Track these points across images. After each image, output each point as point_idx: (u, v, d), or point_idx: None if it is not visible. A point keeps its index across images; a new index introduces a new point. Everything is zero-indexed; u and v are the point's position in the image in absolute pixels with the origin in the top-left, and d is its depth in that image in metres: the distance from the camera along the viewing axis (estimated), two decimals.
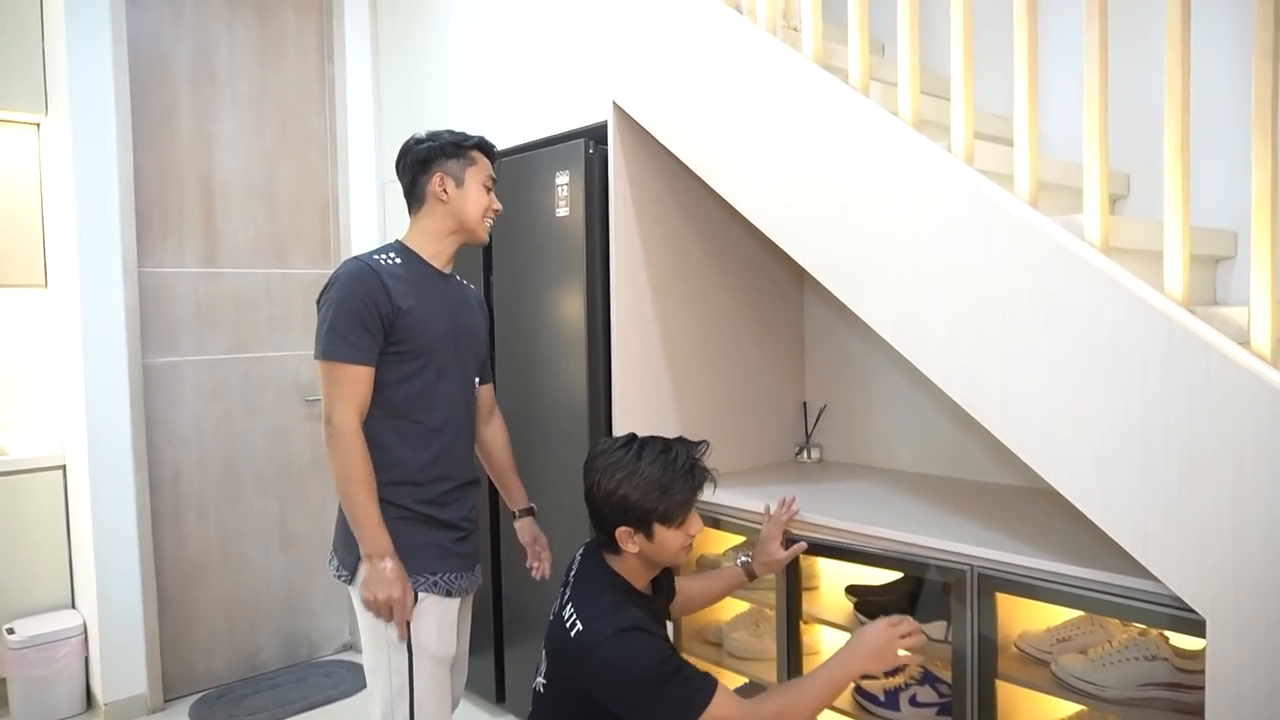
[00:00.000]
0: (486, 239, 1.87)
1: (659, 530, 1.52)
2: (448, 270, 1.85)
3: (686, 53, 2.03)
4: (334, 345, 1.64)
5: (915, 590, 1.96)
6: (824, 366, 2.74)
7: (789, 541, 1.92)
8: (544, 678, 1.58)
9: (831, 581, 2.19)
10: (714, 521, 2.16)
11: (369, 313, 1.64)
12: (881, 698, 1.96)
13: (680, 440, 1.59)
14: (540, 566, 2.07)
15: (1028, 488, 2.18)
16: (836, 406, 2.70)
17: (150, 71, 2.95)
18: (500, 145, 2.73)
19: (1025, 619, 1.80)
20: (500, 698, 2.85)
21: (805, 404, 2.77)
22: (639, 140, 2.27)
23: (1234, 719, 1.26)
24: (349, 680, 3.14)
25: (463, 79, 2.91)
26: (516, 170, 2.59)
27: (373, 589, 1.64)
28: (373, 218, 3.45)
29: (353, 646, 3.44)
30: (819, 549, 1.97)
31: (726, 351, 2.55)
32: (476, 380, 1.91)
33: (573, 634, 1.48)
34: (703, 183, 2.03)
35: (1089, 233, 1.45)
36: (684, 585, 1.88)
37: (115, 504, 2.85)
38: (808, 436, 2.73)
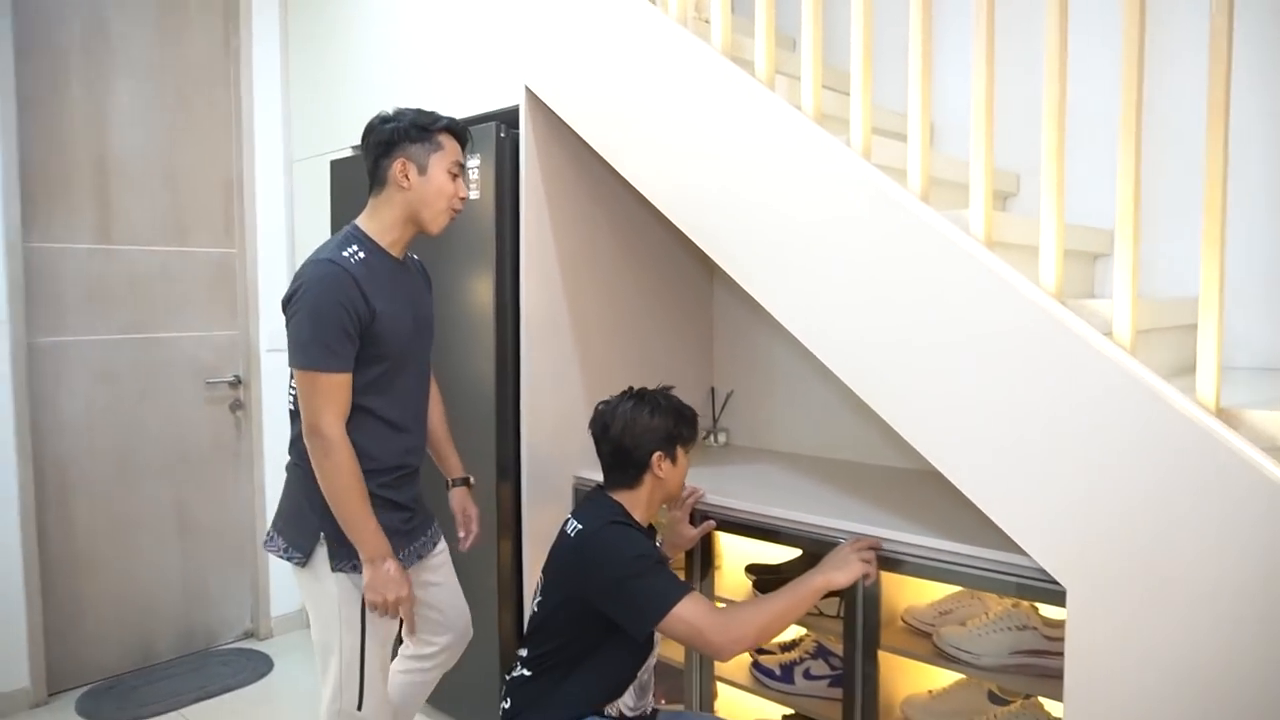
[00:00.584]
0: (439, 231, 1.77)
1: (679, 454, 1.75)
2: (402, 256, 1.81)
3: (599, 39, 2.05)
4: (319, 355, 1.60)
5: (809, 567, 2.03)
6: (732, 353, 2.80)
7: (699, 520, 2.00)
8: (539, 597, 1.72)
9: (733, 562, 2.25)
10: None
11: (349, 319, 1.62)
12: (777, 671, 2.03)
13: (661, 388, 1.80)
14: (468, 537, 2.09)
15: (922, 470, 2.29)
16: (743, 392, 2.76)
17: (36, 35, 2.80)
18: None
19: (912, 594, 1.90)
20: None
21: (713, 389, 2.83)
22: (551, 125, 2.28)
23: (1089, 681, 1.35)
24: (249, 668, 3.07)
25: (374, 56, 2.85)
26: None
27: (380, 591, 1.66)
28: (280, 197, 3.35)
29: (254, 634, 3.36)
30: (724, 526, 2.03)
31: (636, 338, 2.58)
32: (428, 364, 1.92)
33: (572, 535, 1.65)
34: (614, 170, 2.05)
35: (974, 227, 1.53)
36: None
37: None
38: (715, 421, 2.79)
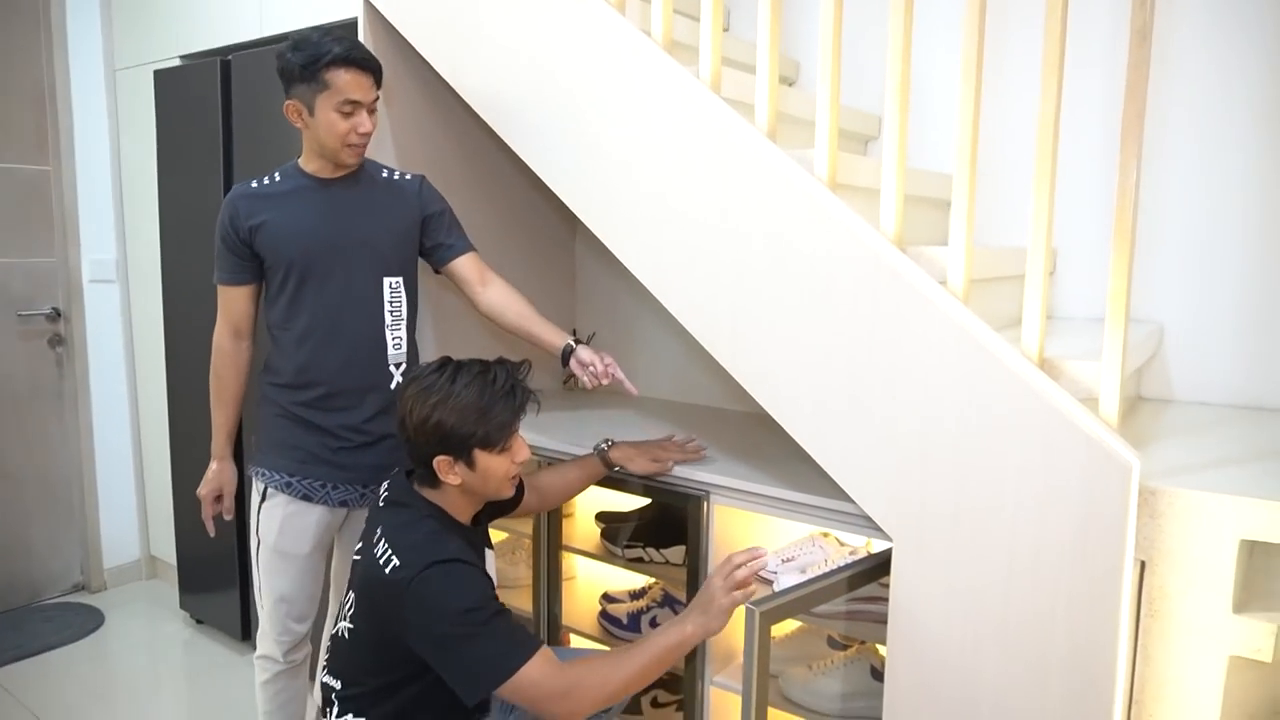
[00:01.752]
0: (353, 162, 1.75)
1: (481, 457, 1.41)
2: (340, 175, 1.77)
3: None
4: (215, 268, 1.80)
5: (659, 516, 2.00)
6: (593, 298, 2.71)
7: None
8: (349, 621, 1.45)
9: (584, 509, 2.20)
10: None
11: (228, 235, 1.74)
12: (624, 620, 2.00)
13: (499, 361, 1.48)
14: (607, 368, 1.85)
15: (768, 415, 2.27)
16: (604, 337, 2.68)
17: None
18: (242, 37, 2.45)
19: (756, 541, 1.89)
20: (245, 635, 2.69)
21: (574, 331, 2.74)
22: (395, 44, 2.08)
23: (912, 629, 1.36)
24: (76, 623, 2.86)
25: None
26: (258, 65, 2.32)
27: (202, 486, 1.89)
28: (101, 109, 3.01)
29: (85, 587, 3.13)
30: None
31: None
32: (388, 280, 1.80)
33: (387, 570, 1.35)
34: (470, 107, 1.89)
35: (818, 169, 1.47)
36: (539, 481, 1.75)
37: None
38: None
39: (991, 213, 2.02)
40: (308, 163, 1.76)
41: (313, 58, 1.63)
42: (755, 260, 1.48)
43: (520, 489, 1.67)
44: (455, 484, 1.43)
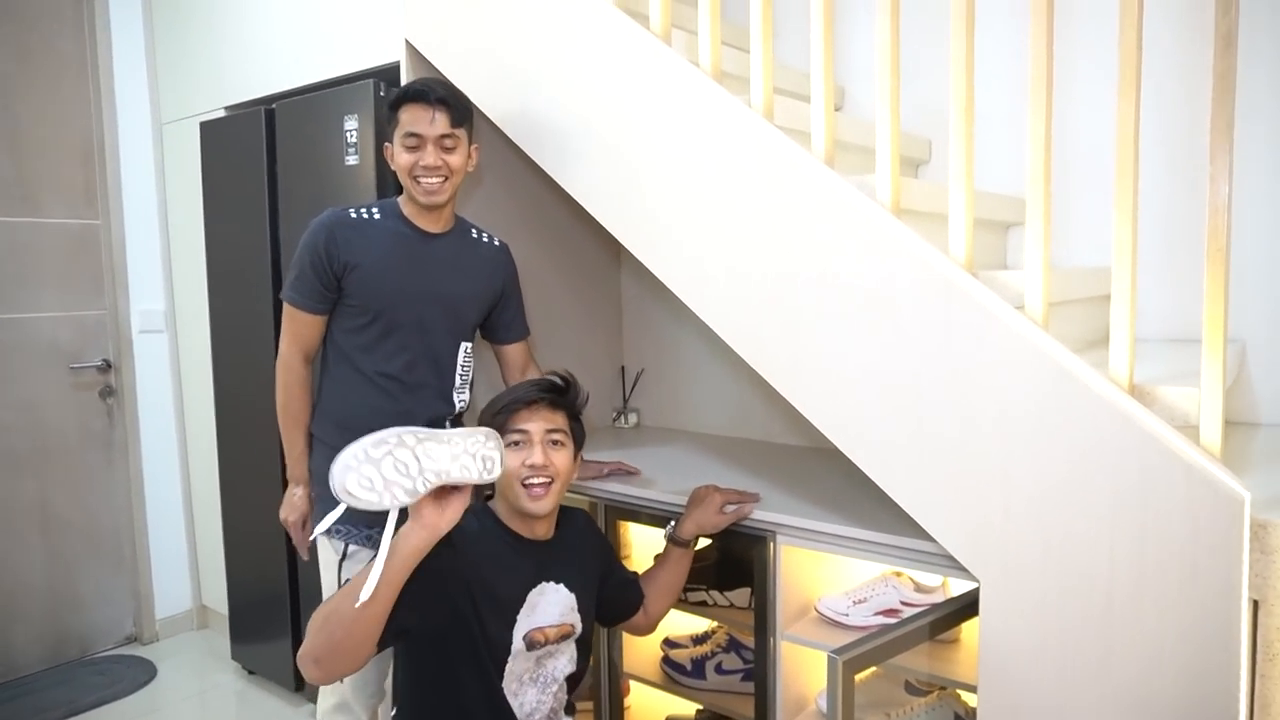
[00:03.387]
0: (429, 200, 1.70)
1: None
2: (438, 229, 1.76)
3: None
4: (288, 288, 1.73)
5: (722, 558, 1.94)
6: (641, 331, 2.67)
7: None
8: None
9: (642, 551, 2.14)
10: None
11: (319, 262, 1.68)
12: (688, 666, 1.93)
13: (562, 371, 1.57)
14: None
15: (832, 450, 2.20)
16: (653, 371, 2.64)
17: None
18: (285, 85, 2.47)
19: (827, 583, 1.82)
20: (299, 685, 2.65)
21: (623, 368, 2.70)
22: None
23: (1003, 673, 1.28)
24: (129, 677, 2.84)
25: (249, 6, 2.59)
26: (301, 114, 2.34)
27: (282, 510, 1.81)
28: (149, 162, 3.06)
29: (137, 639, 3.12)
30: (631, 516, 1.91)
31: (543, 315, 2.42)
32: (464, 345, 1.82)
33: None
34: (513, 141, 1.88)
35: (880, 194, 1.43)
36: (646, 587, 1.71)
37: None
38: (625, 401, 2.66)
39: (1053, 234, 1.96)
40: (405, 204, 1.75)
41: (392, 99, 1.69)
42: (814, 287, 1.43)
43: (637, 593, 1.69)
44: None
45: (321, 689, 1.83)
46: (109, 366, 3.00)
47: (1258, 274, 1.74)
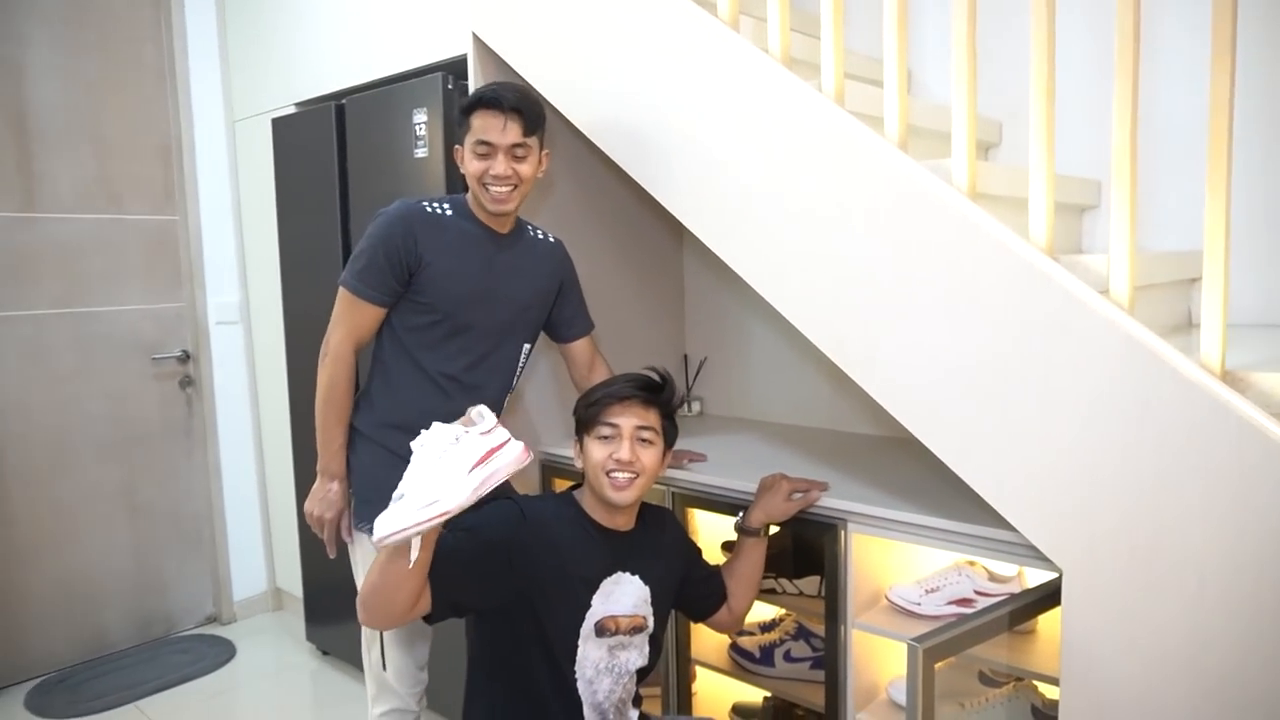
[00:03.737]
0: (497, 209, 1.66)
1: (585, 441, 1.51)
2: (506, 230, 1.74)
3: None
4: (352, 276, 1.66)
5: (791, 545, 1.93)
6: (704, 319, 2.67)
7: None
8: None
9: (710, 539, 2.15)
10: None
11: (395, 254, 1.63)
12: (756, 654, 1.93)
13: (659, 369, 1.57)
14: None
15: (901, 438, 2.18)
16: (717, 359, 2.64)
17: None
18: (355, 80, 2.52)
19: (896, 572, 1.80)
20: None
21: (686, 357, 2.71)
22: (503, 76, 2.11)
23: (1087, 666, 1.26)
24: (210, 655, 2.95)
25: (318, 3, 2.65)
26: (371, 108, 2.39)
27: (313, 505, 1.73)
28: (223, 159, 3.15)
29: (217, 619, 3.24)
30: (699, 503, 1.92)
31: (605, 302, 2.42)
32: (525, 346, 1.81)
33: None
34: (576, 130, 1.89)
35: (956, 178, 1.40)
36: (726, 580, 1.72)
37: None
38: (689, 389, 2.67)
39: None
40: (473, 203, 1.71)
41: (464, 104, 1.65)
42: (890, 274, 1.42)
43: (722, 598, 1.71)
44: (580, 469, 1.53)
45: (369, 692, 1.83)
46: (188, 357, 3.11)
47: None
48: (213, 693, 2.74)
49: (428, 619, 1.40)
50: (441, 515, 1.19)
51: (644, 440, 1.49)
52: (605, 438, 1.48)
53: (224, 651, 2.98)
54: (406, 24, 2.32)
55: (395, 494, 1.22)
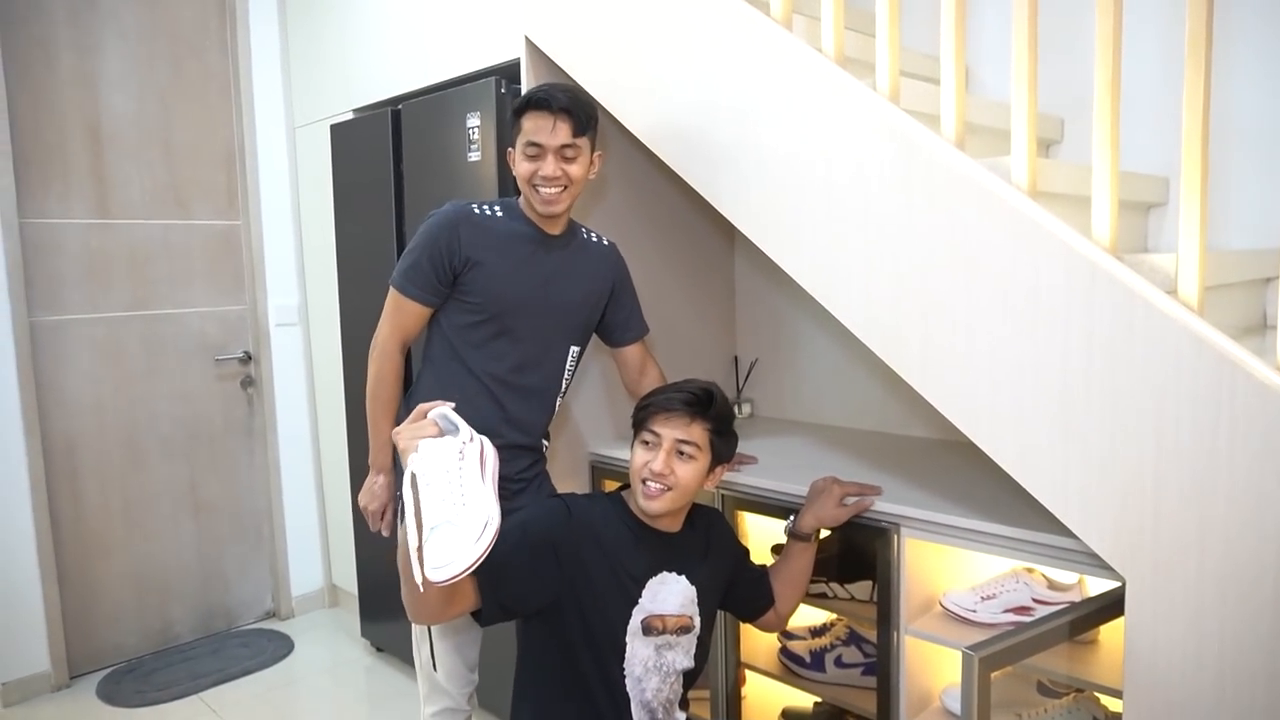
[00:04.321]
0: (547, 210, 1.66)
1: (635, 446, 1.52)
2: (556, 232, 1.74)
3: None
4: (399, 275, 1.70)
5: (843, 549, 1.91)
6: (755, 321, 2.66)
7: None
8: None
9: (760, 542, 2.14)
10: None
11: (440, 255, 1.66)
12: (807, 659, 1.91)
13: (709, 384, 1.55)
14: None
15: (955, 441, 2.14)
16: (767, 361, 2.62)
17: (20, 1, 2.69)
18: (410, 86, 2.56)
19: (951, 577, 1.77)
20: None
21: (736, 359, 2.69)
22: (556, 79, 2.12)
23: (1151, 680, 1.22)
24: (269, 649, 3.03)
25: (372, 13, 2.71)
26: (426, 113, 2.42)
27: (363, 497, 1.78)
28: (284, 165, 3.23)
29: (275, 614, 3.32)
30: (750, 506, 1.91)
31: (656, 304, 2.42)
32: (573, 349, 1.80)
33: None
34: (627, 132, 1.90)
35: (1016, 176, 1.37)
36: (773, 582, 1.71)
37: (6, 475, 2.66)
38: (739, 391, 2.65)
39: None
40: (525, 205, 1.72)
41: (516, 106, 1.66)
42: (948, 275, 1.39)
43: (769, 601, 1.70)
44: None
45: (420, 691, 1.85)
46: (249, 358, 3.20)
47: None
48: (271, 686, 2.80)
49: (480, 620, 1.41)
50: (496, 536, 1.16)
51: (683, 454, 1.47)
52: (647, 444, 1.49)
53: (282, 646, 3.06)
54: (460, 29, 2.35)
55: (427, 525, 1.14)
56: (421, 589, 1.18)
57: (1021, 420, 1.33)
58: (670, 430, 1.47)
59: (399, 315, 1.71)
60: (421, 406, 1.31)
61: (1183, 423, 1.17)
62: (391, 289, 1.71)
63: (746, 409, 2.63)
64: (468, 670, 1.82)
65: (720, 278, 2.66)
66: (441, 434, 1.25)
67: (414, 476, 1.17)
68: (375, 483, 1.77)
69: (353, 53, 2.82)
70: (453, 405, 1.31)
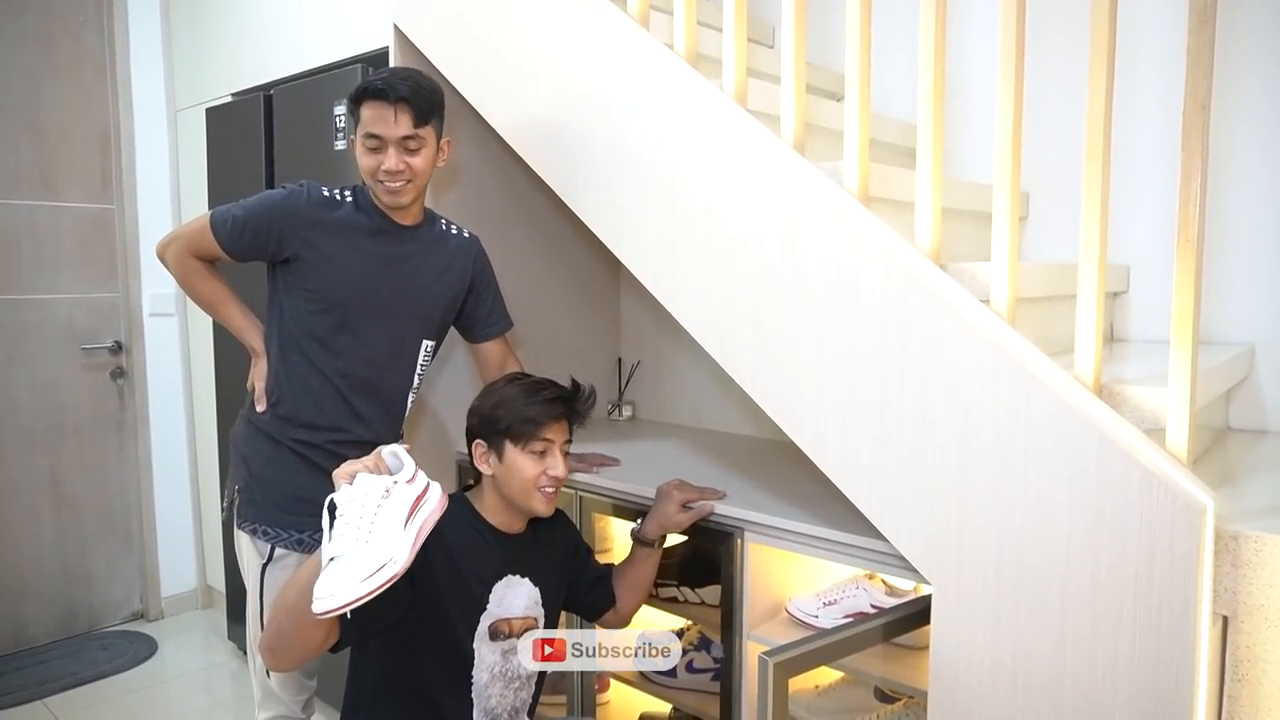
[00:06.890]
0: (393, 202, 1.60)
1: (509, 451, 1.44)
2: (409, 222, 1.66)
3: None
4: (222, 215, 1.60)
5: (693, 553, 1.89)
6: (639, 322, 2.64)
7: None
8: None
9: (621, 546, 2.11)
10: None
11: (262, 234, 1.58)
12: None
13: (568, 384, 1.53)
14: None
15: None
16: (650, 364, 2.61)
17: None
18: (285, 72, 2.49)
19: (797, 583, 1.76)
20: None
21: (620, 360, 2.67)
22: (430, 73, 2.07)
23: (954, 685, 1.22)
24: (130, 652, 2.89)
25: None
26: (296, 99, 2.35)
27: (252, 379, 1.70)
28: (163, 148, 3.11)
29: (143, 615, 3.17)
30: (608, 509, 1.88)
31: (536, 303, 2.40)
32: (426, 344, 1.73)
33: None
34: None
35: (848, 180, 1.37)
36: (616, 584, 1.68)
37: None
38: (620, 394, 2.63)
39: (1053, 225, 1.88)
40: (375, 197, 1.64)
41: (352, 94, 1.57)
42: (778, 278, 1.39)
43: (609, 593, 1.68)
44: (487, 474, 1.47)
45: (255, 697, 1.78)
46: (120, 348, 3.06)
47: (1268, 274, 1.65)
48: (125, 691, 2.67)
49: (334, 650, 1.34)
50: (392, 578, 1.11)
51: (565, 452, 1.50)
52: (540, 453, 1.45)
53: (145, 649, 2.92)
54: (334, 14, 2.28)
55: (326, 556, 1.12)
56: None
57: (844, 425, 1.32)
58: (557, 433, 1.47)
59: (200, 240, 1.61)
60: (381, 447, 1.26)
61: (985, 431, 1.18)
62: (207, 218, 1.61)
63: (628, 411, 2.61)
64: (304, 678, 1.76)
65: (605, 278, 2.63)
66: (384, 471, 1.21)
67: (332, 505, 1.16)
68: (260, 366, 1.69)
69: (235, 35, 2.73)
70: (406, 447, 1.27)
